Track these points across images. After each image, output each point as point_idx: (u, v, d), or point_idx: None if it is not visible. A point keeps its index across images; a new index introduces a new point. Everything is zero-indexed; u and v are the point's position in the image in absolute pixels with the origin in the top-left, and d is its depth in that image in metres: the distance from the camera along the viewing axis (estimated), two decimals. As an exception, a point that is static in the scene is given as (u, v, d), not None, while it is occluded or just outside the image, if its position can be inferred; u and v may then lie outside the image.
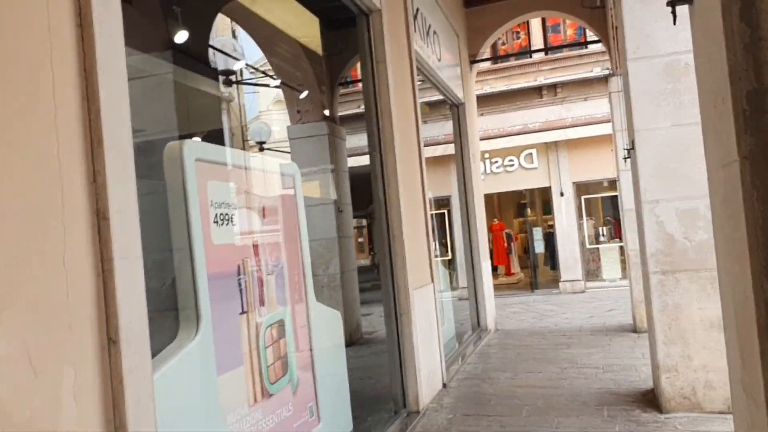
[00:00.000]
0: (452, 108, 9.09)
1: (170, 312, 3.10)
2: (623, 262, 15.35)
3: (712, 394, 4.55)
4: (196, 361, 2.98)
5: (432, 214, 8.38)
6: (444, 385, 5.93)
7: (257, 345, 3.54)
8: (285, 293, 4.05)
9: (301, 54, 7.98)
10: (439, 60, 7.42)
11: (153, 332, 2.20)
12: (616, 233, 15.89)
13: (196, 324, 3.01)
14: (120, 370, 1.86)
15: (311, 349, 4.28)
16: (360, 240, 22.49)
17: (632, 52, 4.73)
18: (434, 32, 7.30)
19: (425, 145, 14.12)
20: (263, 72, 9.66)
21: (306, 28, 7.66)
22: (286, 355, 3.88)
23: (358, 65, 10.89)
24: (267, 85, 10.94)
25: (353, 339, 9.97)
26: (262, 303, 3.67)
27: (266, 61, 8.36)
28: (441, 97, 13.97)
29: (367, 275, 19.67)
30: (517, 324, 10.56)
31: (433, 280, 5.99)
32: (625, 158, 5.49)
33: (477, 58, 9.63)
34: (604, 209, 18.11)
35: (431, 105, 14.70)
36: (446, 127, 15.57)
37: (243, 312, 3.39)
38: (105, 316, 1.86)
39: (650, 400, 5.04)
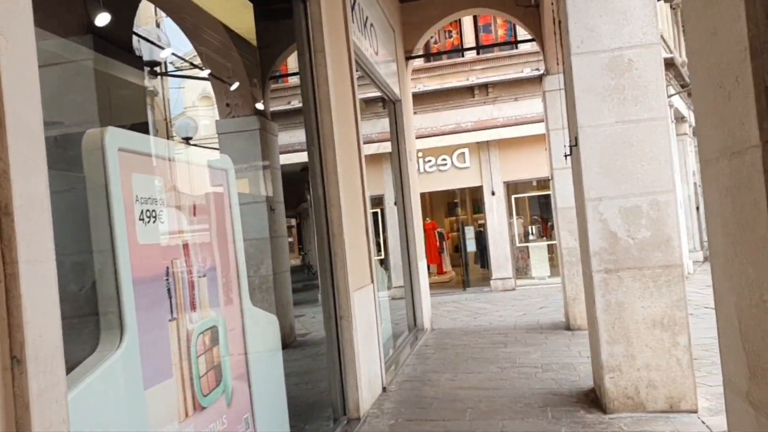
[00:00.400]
0: (389, 104, 8.91)
1: (90, 318, 2.77)
2: (551, 260, 15.65)
3: (655, 394, 4.53)
4: (119, 375, 2.66)
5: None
6: (384, 389, 5.73)
7: (188, 354, 3.23)
8: (218, 297, 3.75)
9: (232, 43, 7.60)
10: (377, 54, 7.22)
11: (69, 343, 1.89)
12: (543, 232, 16.17)
13: (120, 332, 2.69)
14: (26, 394, 1.56)
15: (246, 357, 4.00)
16: (290, 240, 22.08)
17: (576, 47, 4.66)
18: (371, 25, 7.10)
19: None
20: (190, 62, 9.21)
21: (238, 15, 7.30)
22: (219, 364, 3.59)
23: (289, 59, 10.56)
24: (195, 77, 10.47)
25: (287, 342, 9.64)
26: (193, 308, 3.37)
27: (195, 53, 7.95)
28: (374, 94, 13.81)
29: (299, 275, 19.30)
30: (452, 323, 10.49)
31: (373, 281, 5.78)
32: (566, 155, 5.44)
33: (413, 54, 9.49)
34: (533, 208, 18.43)
35: (365, 102, 14.53)
36: (379, 125, 15.41)
37: (172, 318, 3.08)
38: (7, 330, 1.55)
39: (593, 400, 4.99)
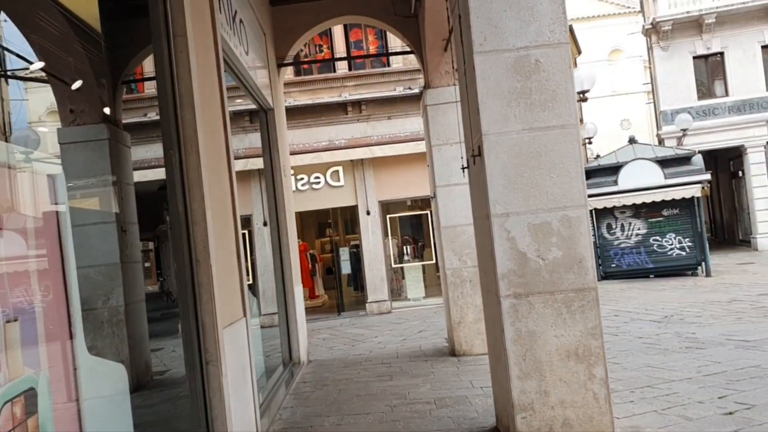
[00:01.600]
0: (260, 114, 8.09)
1: None
2: (425, 280, 15.35)
3: (571, 433, 4.05)
4: None
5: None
6: (259, 441, 4.86)
7: (-15, 434, 2.27)
8: (38, 348, 2.79)
9: (75, 35, 6.46)
10: (247, 54, 6.41)
11: None
12: (413, 252, 15.86)
13: None
14: None
15: (81, 423, 3.03)
16: (147, 265, 20.31)
17: (479, 44, 4.15)
18: (240, 21, 6.28)
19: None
20: (24, 58, 7.86)
21: (82, 2, 6.20)
22: (38, 441, 2.62)
23: (146, 62, 9.44)
24: (26, 79, 9.03)
25: (141, 382, 8.42)
26: (-6, 368, 2.41)
27: (27, 42, 6.68)
28: (242, 106, 12.86)
29: (156, 303, 17.69)
30: (330, 353, 9.73)
31: (245, 314, 4.92)
32: (464, 168, 4.92)
33: (285, 61, 8.74)
34: (405, 228, 18.15)
35: (231, 117, 13.52)
36: (246, 141, 14.46)
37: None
38: None
39: (500, 441, 4.44)
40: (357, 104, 14.37)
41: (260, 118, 8.11)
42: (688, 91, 22.70)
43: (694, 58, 22.75)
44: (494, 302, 4.28)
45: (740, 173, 23.52)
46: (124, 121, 9.57)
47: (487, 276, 4.54)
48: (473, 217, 4.92)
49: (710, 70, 22.94)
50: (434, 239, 15.06)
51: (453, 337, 8.13)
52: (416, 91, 14.23)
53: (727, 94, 22.53)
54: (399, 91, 14.38)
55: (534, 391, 4.06)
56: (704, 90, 22.95)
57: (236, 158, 13.39)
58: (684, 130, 21.69)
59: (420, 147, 13.84)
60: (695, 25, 22.38)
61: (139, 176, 9.31)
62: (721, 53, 22.52)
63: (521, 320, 4.10)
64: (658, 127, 23.51)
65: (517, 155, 4.14)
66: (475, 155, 4.28)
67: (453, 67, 8.09)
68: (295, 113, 14.25)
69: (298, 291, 8.45)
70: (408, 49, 9.04)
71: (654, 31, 22.94)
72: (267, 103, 7.90)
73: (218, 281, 4.01)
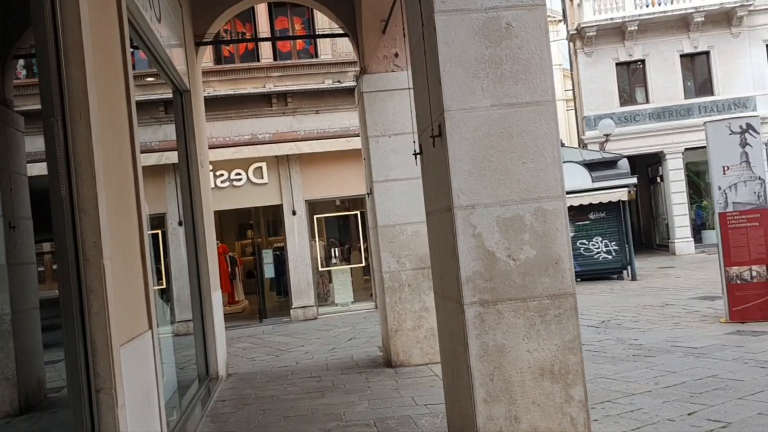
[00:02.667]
0: (175, 96, 7.15)
1: None
2: (353, 284, 14.62)
3: (547, 466, 3.42)
4: None
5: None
6: (167, 481, 4.00)
7: None
8: None
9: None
10: (159, 20, 5.51)
11: None
12: (341, 255, 15.11)
13: None
14: None
15: None
16: (42, 269, 18.63)
17: (440, 2, 3.47)
18: (152, -17, 5.37)
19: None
20: None
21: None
22: None
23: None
24: None
25: (32, 403, 7.29)
26: None
27: None
28: (155, 95, 11.75)
29: (54, 310, 16.18)
30: (252, 364, 8.85)
31: (152, 325, 4.05)
32: (416, 154, 4.23)
33: (205, 40, 7.83)
34: (331, 230, 17.36)
35: (142, 106, 12.41)
36: (161, 132, 13.33)
37: None
38: None
39: (460, 475, 3.77)
40: (282, 96, 13.51)
41: (174, 101, 7.17)
42: (611, 96, 22.99)
43: (617, 64, 23.08)
44: (454, 311, 3.61)
45: (658, 179, 24.07)
46: (28, 108, 8.36)
47: (444, 280, 3.86)
48: (427, 212, 4.24)
49: (632, 77, 23.36)
50: (364, 241, 14.36)
51: (389, 347, 7.45)
52: (346, 84, 13.53)
53: (647, 101, 22.96)
54: (328, 84, 13.62)
55: (503, 417, 3.41)
56: (626, 96, 23.33)
57: (150, 151, 12.28)
58: (607, 135, 21.91)
59: (350, 144, 13.14)
60: (618, 32, 22.71)
61: (38, 168, 8.18)
62: (643, 60, 22.95)
63: (488, 332, 3.44)
64: (581, 132, 23.73)
65: (485, 136, 3.48)
66: (435, 136, 3.60)
67: (393, 53, 7.42)
68: (216, 104, 13.23)
69: (217, 297, 7.55)
70: (341, 32, 8.30)
71: (579, 36, 23.14)
72: (183, 83, 6.98)
73: (115, 287, 3.15)
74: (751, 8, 22.04)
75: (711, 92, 22.65)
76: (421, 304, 7.37)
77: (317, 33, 13.49)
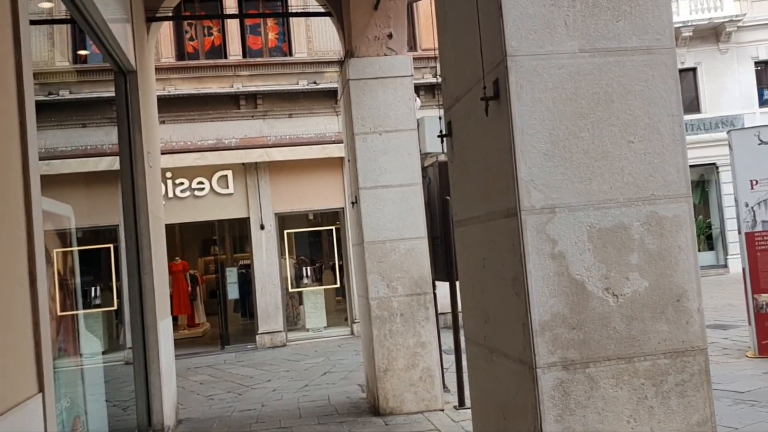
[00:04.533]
0: (117, 78, 5.76)
1: None
2: (326, 307, 13.20)
3: None
4: None
5: (73, 252, 4.93)
6: None
7: None
8: None
9: None
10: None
11: None
12: (313, 275, 13.72)
13: None
14: None
15: None
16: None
17: None
18: None
19: (72, 156, 10.08)
20: None
21: None
22: None
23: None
24: None
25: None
26: None
27: None
28: (103, 92, 10.29)
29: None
30: (209, 406, 7.40)
31: (43, 387, 2.65)
32: (443, 135, 2.91)
33: (158, 15, 6.47)
34: (302, 247, 15.94)
35: (95, 104, 10.95)
36: (114, 135, 11.85)
37: None
38: None
39: None
40: (252, 98, 12.15)
41: (117, 83, 5.77)
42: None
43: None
44: (514, 375, 2.30)
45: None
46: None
47: (492, 324, 2.54)
48: (457, 220, 2.93)
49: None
50: (338, 259, 12.98)
51: (376, 390, 6.09)
52: (323, 86, 12.24)
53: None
54: (302, 85, 12.31)
55: None
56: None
57: (101, 155, 10.75)
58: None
59: (326, 152, 11.83)
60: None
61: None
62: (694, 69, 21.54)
63: (575, 412, 2.13)
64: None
65: (571, 98, 2.20)
66: (488, 98, 2.29)
67: (386, 33, 6.15)
68: (177, 104, 11.83)
69: (165, 326, 6.12)
70: (322, 10, 7.01)
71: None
72: (127, 62, 5.60)
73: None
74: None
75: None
76: (416, 338, 6.05)
77: (290, 28, 12.21)
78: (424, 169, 6.52)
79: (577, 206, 2.19)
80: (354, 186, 6.31)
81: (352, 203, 6.40)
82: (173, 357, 6.53)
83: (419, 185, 6.13)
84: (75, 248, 4.94)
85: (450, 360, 7.59)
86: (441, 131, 2.91)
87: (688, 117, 21.65)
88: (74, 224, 4.82)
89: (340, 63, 6.64)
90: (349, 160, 6.44)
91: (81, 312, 5.11)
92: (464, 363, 6.83)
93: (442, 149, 6.86)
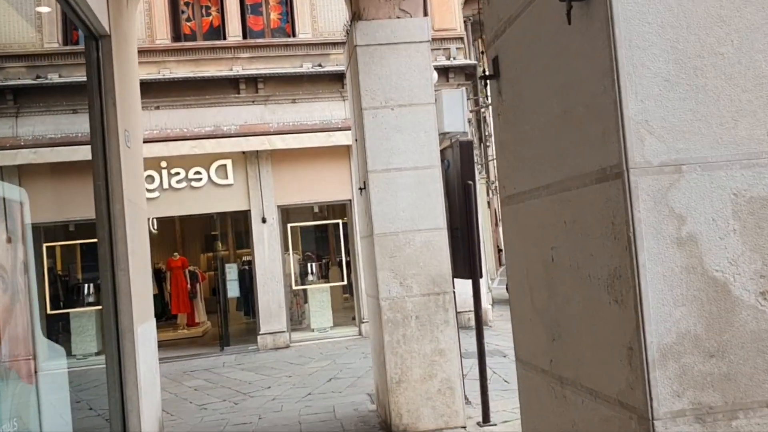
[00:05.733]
0: (87, 43, 4.97)
1: None
2: (332, 305, 12.39)
3: None
4: None
5: (26, 244, 4.16)
6: None
7: None
8: None
9: None
10: None
11: None
12: (319, 271, 12.92)
13: None
14: None
15: None
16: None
17: None
18: None
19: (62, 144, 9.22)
20: None
21: None
22: None
23: None
24: None
25: None
26: None
27: None
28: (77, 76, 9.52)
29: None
30: (200, 417, 6.64)
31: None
32: (488, 77, 2.09)
33: (139, -26, 5.68)
34: (307, 242, 15.15)
35: (75, 89, 10.19)
36: (82, 123, 11.12)
37: None
38: None
39: None
40: (252, 81, 11.35)
41: (87, 49, 4.98)
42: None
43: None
44: (616, 425, 1.49)
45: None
46: None
47: (566, 345, 1.74)
48: (505, 197, 2.11)
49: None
50: (345, 255, 12.19)
51: (388, 403, 5.29)
52: (328, 69, 11.44)
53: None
54: (307, 68, 11.50)
55: None
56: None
57: (83, 143, 9.93)
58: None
59: (332, 139, 11.05)
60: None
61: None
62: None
63: (719, 489, 1.32)
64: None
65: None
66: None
67: (399, -8, 5.34)
68: (171, 88, 11.06)
69: (146, 331, 5.33)
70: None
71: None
72: (99, 24, 4.82)
73: None
74: None
75: None
76: (434, 345, 5.25)
77: (294, 7, 11.40)
78: (441, 151, 5.70)
79: (716, 162, 1.38)
80: (362, 170, 5.51)
81: (360, 189, 5.60)
82: (157, 365, 5.77)
83: (437, 168, 5.33)
84: (29, 239, 4.16)
85: (468, 365, 6.79)
86: (484, 72, 2.08)
87: None
88: (28, 210, 4.04)
89: (346, 29, 5.83)
90: (356, 140, 5.63)
91: (36, 314, 4.32)
92: (489, 372, 6.05)
93: (464, 128, 6.07)
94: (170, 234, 18.12)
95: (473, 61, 12.55)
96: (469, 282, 5.51)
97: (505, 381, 7.01)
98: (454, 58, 11.60)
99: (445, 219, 5.34)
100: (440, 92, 5.80)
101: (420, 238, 5.27)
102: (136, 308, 5.00)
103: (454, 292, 5.46)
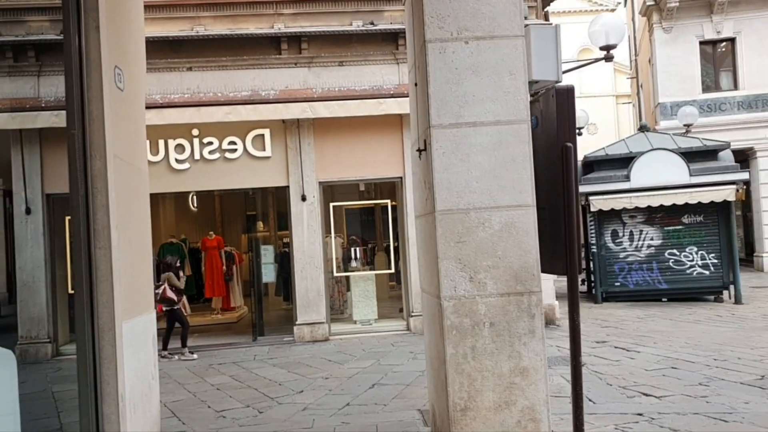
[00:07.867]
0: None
1: None
2: (377, 295, 11.12)
3: None
4: None
5: None
6: None
7: None
8: None
9: None
10: None
11: None
12: (364, 257, 11.67)
13: None
14: None
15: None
16: None
17: None
18: None
19: (57, 108, 8.10)
20: None
21: None
22: None
23: None
24: None
25: None
26: None
27: None
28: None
29: None
30: (215, 427, 5.47)
31: None
32: None
33: None
34: (359, 225, 13.92)
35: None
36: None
37: None
38: None
39: None
40: (295, 41, 10.09)
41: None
42: (692, 82, 19.28)
43: (701, 43, 19.36)
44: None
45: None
46: None
47: None
48: None
49: (718, 59, 19.59)
50: (393, 240, 10.86)
51: (451, 422, 3.96)
52: (381, 27, 10.09)
53: (736, 88, 19.23)
54: (357, 26, 10.17)
55: None
56: (710, 82, 19.57)
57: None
58: (688, 126, 18.12)
59: (383, 108, 9.72)
60: (706, 3, 18.97)
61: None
62: (733, 39, 19.20)
63: None
64: (655, 122, 20.01)
65: None
66: None
67: None
68: (206, 47, 9.91)
69: (137, 328, 4.13)
70: None
71: (657, 8, 19.41)
72: None
73: None
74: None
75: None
76: (515, 362, 3.89)
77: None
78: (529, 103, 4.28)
79: None
80: (422, 124, 4.15)
81: (419, 151, 4.24)
82: (155, 370, 4.57)
83: (526, 124, 3.93)
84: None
85: (552, 386, 5.41)
86: None
87: (722, 95, 18.88)
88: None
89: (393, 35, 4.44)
90: (415, 84, 4.26)
91: None
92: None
93: (557, 77, 4.65)
94: (210, 211, 17.14)
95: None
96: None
97: (590, 401, 5.61)
98: None
99: (533, 193, 3.95)
100: (528, 26, 4.37)
101: (499, 218, 3.89)
102: (121, 298, 3.80)
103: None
